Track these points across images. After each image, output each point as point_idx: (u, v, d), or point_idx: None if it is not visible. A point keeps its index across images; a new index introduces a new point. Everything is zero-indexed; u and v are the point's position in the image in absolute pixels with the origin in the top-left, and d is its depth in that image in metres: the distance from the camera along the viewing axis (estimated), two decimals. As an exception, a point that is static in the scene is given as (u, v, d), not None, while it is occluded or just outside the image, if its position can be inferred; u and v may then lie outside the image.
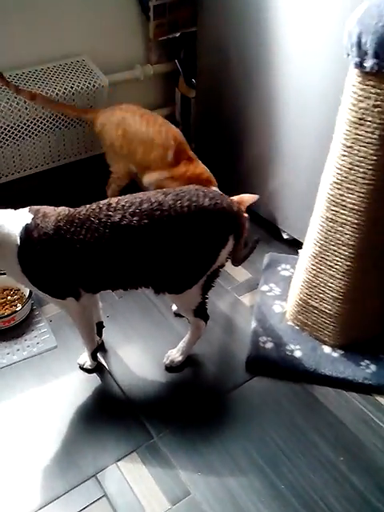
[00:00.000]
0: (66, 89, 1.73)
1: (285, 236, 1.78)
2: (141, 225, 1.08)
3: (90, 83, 1.78)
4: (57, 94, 1.72)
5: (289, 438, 1.20)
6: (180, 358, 1.35)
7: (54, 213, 1.13)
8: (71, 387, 1.33)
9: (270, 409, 1.27)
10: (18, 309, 1.47)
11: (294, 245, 1.72)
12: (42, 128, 1.78)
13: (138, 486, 1.12)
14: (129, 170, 1.76)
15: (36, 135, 1.79)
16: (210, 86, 1.88)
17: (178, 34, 1.92)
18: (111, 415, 1.26)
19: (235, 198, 1.58)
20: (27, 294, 1.52)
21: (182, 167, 1.68)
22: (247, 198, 1.54)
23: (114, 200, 1.12)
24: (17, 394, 1.31)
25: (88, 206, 1.14)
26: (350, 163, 1.12)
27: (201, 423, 1.25)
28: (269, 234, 1.82)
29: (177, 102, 2.07)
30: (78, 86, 1.75)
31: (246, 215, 1.44)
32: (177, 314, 1.49)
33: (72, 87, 1.74)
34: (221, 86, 1.81)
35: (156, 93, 2.11)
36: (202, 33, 1.82)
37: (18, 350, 1.42)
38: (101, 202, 1.14)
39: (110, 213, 1.09)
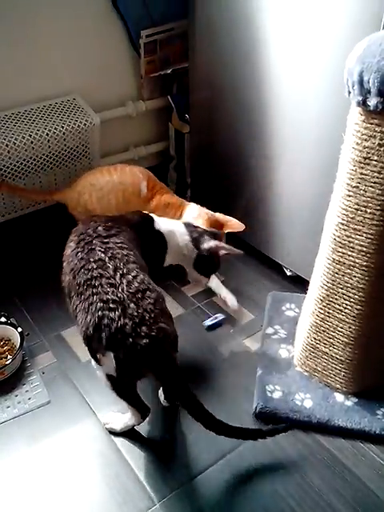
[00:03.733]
0: (56, 128, 1.69)
1: (288, 273, 1.71)
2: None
3: (81, 122, 1.73)
4: (47, 134, 1.67)
5: (303, 499, 1.11)
6: (117, 428, 1.24)
7: None
8: (64, 448, 1.23)
9: (282, 465, 1.18)
10: (7, 362, 1.38)
11: (298, 282, 1.66)
12: (37, 168, 1.73)
13: None
14: None
15: (32, 175, 1.73)
16: (204, 121, 1.84)
17: (169, 71, 1.90)
18: (109, 479, 1.16)
19: (221, 217, 1.60)
20: (18, 344, 1.43)
21: (157, 198, 1.66)
22: (233, 225, 1.57)
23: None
24: (5, 457, 1.21)
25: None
26: (357, 203, 1.06)
27: (207, 484, 1.15)
28: (271, 270, 1.76)
29: (171, 138, 2.03)
30: (69, 125, 1.71)
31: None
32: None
33: (63, 127, 1.70)
34: (215, 120, 1.77)
35: (149, 129, 2.07)
36: (194, 68, 1.79)
37: (8, 407, 1.32)
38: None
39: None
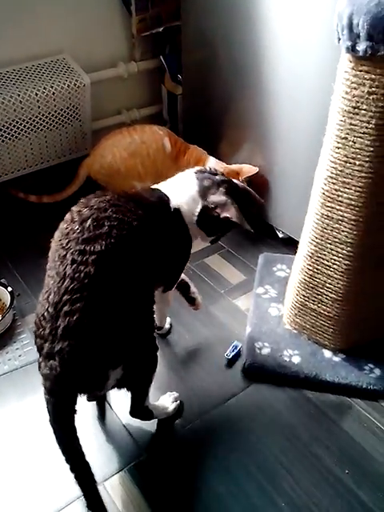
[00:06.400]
0: (45, 88, 1.66)
1: (280, 235, 1.70)
2: None
3: (71, 82, 1.70)
4: (36, 94, 1.64)
5: (289, 450, 1.13)
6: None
7: None
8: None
9: (269, 419, 1.19)
10: (-1, 320, 1.39)
11: (290, 243, 1.65)
12: (26, 130, 1.70)
13: (127, 508, 1.03)
14: None
15: (22, 137, 1.71)
16: (197, 82, 1.81)
17: (161, 29, 1.85)
18: (99, 432, 1.18)
19: (235, 166, 1.63)
20: (8, 303, 1.44)
21: (189, 152, 1.72)
22: (247, 170, 1.60)
23: None
24: (-4, 411, 1.23)
25: None
26: (345, 155, 1.04)
27: (194, 436, 1.17)
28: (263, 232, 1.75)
29: (163, 100, 2.00)
30: (59, 86, 1.68)
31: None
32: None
33: (52, 86, 1.67)
34: (208, 81, 1.74)
35: (141, 90, 2.04)
36: (187, 27, 1.75)
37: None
38: None
39: None
